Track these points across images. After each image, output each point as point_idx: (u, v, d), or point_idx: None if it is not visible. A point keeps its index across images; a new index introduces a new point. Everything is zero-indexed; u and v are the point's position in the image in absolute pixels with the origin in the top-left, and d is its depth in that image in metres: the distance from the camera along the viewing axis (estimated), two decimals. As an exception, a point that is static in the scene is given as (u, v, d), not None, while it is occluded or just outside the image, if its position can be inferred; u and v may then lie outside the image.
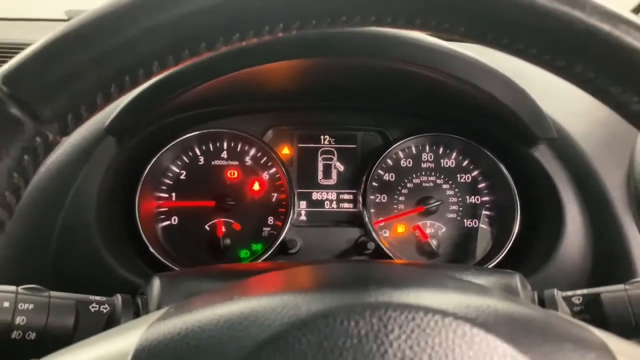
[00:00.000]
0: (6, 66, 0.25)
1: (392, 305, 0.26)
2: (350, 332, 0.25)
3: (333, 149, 0.72)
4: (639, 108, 0.28)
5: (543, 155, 0.62)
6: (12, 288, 0.40)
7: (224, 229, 0.69)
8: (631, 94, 0.28)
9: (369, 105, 0.71)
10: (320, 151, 0.72)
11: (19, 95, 0.25)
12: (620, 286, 0.44)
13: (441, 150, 0.72)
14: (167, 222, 0.69)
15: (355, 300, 0.26)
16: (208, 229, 0.69)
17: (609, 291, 0.44)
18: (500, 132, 0.64)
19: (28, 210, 0.55)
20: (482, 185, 0.71)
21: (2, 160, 0.26)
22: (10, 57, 0.64)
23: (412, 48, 0.52)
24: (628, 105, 0.28)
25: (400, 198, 0.71)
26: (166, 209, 0.69)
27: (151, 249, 0.63)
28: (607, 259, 0.57)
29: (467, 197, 0.71)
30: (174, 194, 0.69)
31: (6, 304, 0.39)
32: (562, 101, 0.63)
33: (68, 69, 0.25)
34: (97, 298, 0.43)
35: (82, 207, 0.57)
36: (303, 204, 0.71)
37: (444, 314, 0.26)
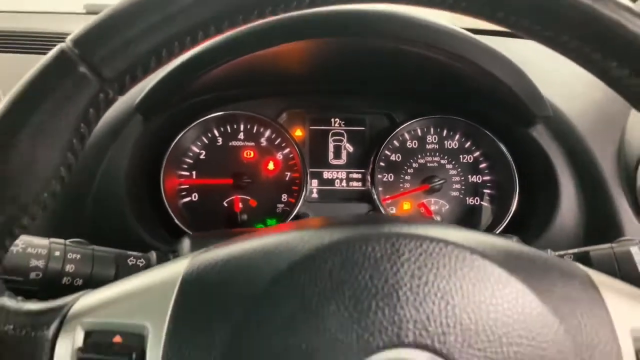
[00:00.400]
0: (77, 31, 0.30)
1: (403, 235, 0.30)
2: (367, 255, 0.30)
3: (343, 131, 0.77)
4: (618, 73, 0.32)
5: (540, 134, 0.67)
6: (61, 240, 0.45)
7: (241, 205, 0.74)
8: (610, 60, 0.32)
9: (376, 89, 0.75)
10: (330, 133, 0.77)
11: (88, 56, 0.30)
12: (607, 245, 0.49)
13: (445, 132, 0.76)
14: (188, 199, 0.74)
15: (372, 231, 0.31)
16: (226, 205, 0.74)
17: (597, 249, 0.49)
18: (500, 112, 0.69)
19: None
20: (483, 165, 0.76)
21: (72, 111, 0.30)
22: (32, 46, 0.71)
23: (417, 28, 0.56)
24: (608, 71, 0.33)
25: (406, 177, 0.75)
26: (187, 186, 0.74)
27: (176, 220, 0.67)
28: (598, 227, 0.62)
29: (469, 176, 0.76)
30: (194, 172, 0.74)
31: (57, 253, 0.43)
32: (557, 84, 0.68)
33: (128, 35, 0.30)
34: (134, 253, 0.48)
35: (113, 179, 0.62)
36: (315, 182, 0.76)
37: (447, 242, 0.30)
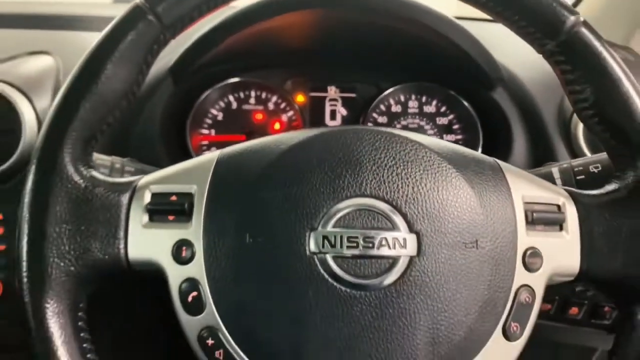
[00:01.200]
0: None
1: (368, 130, 0.45)
2: (342, 141, 0.44)
3: (338, 97, 0.91)
4: (551, 48, 0.45)
5: (500, 96, 0.81)
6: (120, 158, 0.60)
7: (252, 158, 0.89)
8: (544, 37, 0.45)
9: (366, 61, 0.90)
10: (327, 99, 0.92)
11: (154, 8, 0.44)
12: (568, 161, 0.62)
13: (424, 98, 0.91)
14: (208, 152, 0.89)
15: (347, 129, 0.46)
16: (240, 158, 0.89)
17: (558, 165, 0.62)
18: (466, 78, 0.83)
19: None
20: (456, 126, 0.90)
21: (142, 46, 0.45)
22: (61, 29, 0.88)
23: (395, 5, 0.71)
24: (544, 45, 0.45)
25: (391, 136, 0.90)
26: (207, 142, 0.89)
27: None
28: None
29: (444, 135, 0.90)
30: (213, 130, 0.89)
31: (117, 165, 0.58)
32: (513, 56, 0.82)
33: None
34: None
35: (149, 130, 0.77)
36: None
37: (401, 137, 0.45)
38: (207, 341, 0.42)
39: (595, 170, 0.59)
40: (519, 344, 0.43)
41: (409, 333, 0.41)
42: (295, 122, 0.90)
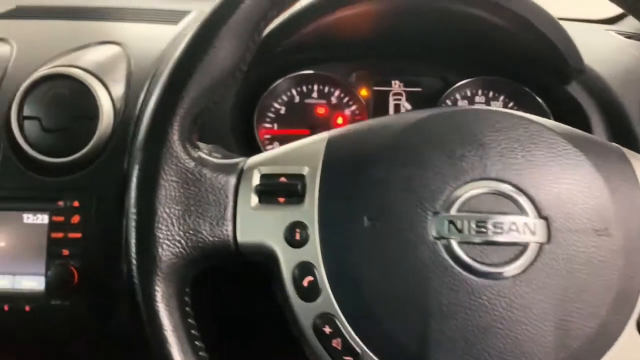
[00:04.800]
0: None
1: (489, 110, 0.43)
2: (461, 122, 0.42)
3: (402, 91, 0.89)
4: None
5: (576, 91, 0.78)
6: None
7: (315, 153, 0.87)
8: None
9: (431, 54, 0.88)
10: (391, 93, 0.89)
11: None
12: None
13: (491, 93, 0.88)
14: (270, 147, 0.87)
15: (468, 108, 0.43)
16: (302, 152, 0.87)
17: None
18: (540, 71, 0.80)
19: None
20: (524, 122, 0.87)
21: (249, 24, 0.43)
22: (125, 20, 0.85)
23: None
24: None
25: (457, 131, 0.88)
26: (269, 136, 0.87)
27: None
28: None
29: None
30: (275, 125, 0.87)
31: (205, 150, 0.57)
32: (589, 50, 0.79)
33: None
34: None
35: (218, 122, 0.76)
36: (376, 134, 0.88)
37: (524, 118, 0.43)
38: (324, 329, 0.39)
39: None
40: None
41: (539, 324, 0.38)
42: (358, 117, 0.87)
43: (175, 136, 0.42)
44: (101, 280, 0.62)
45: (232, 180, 0.43)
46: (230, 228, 0.42)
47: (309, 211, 0.41)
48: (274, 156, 0.45)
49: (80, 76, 0.64)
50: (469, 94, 0.88)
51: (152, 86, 0.70)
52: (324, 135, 0.45)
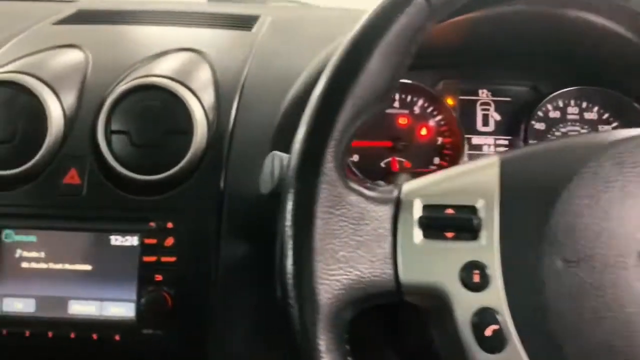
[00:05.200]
0: None
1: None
2: None
3: (490, 101, 0.84)
4: None
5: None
6: None
7: (397, 166, 0.81)
8: None
9: (521, 62, 0.82)
10: (478, 103, 0.84)
11: None
12: None
13: (584, 104, 0.83)
14: (350, 159, 0.82)
15: None
16: (384, 165, 0.82)
17: None
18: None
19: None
20: (621, 134, 0.82)
21: (408, 36, 0.38)
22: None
23: None
24: None
25: (549, 144, 0.82)
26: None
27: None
28: None
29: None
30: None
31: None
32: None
33: None
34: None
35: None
36: (465, 147, 0.83)
37: None
38: None
39: None
40: None
41: None
42: (443, 127, 0.82)
43: (329, 164, 0.37)
44: (197, 308, 0.57)
45: (389, 210, 0.38)
46: (391, 265, 0.37)
47: (488, 250, 0.36)
48: (433, 183, 0.40)
49: (172, 87, 0.59)
50: (560, 104, 0.83)
51: (245, 97, 0.65)
52: (493, 160, 0.39)
